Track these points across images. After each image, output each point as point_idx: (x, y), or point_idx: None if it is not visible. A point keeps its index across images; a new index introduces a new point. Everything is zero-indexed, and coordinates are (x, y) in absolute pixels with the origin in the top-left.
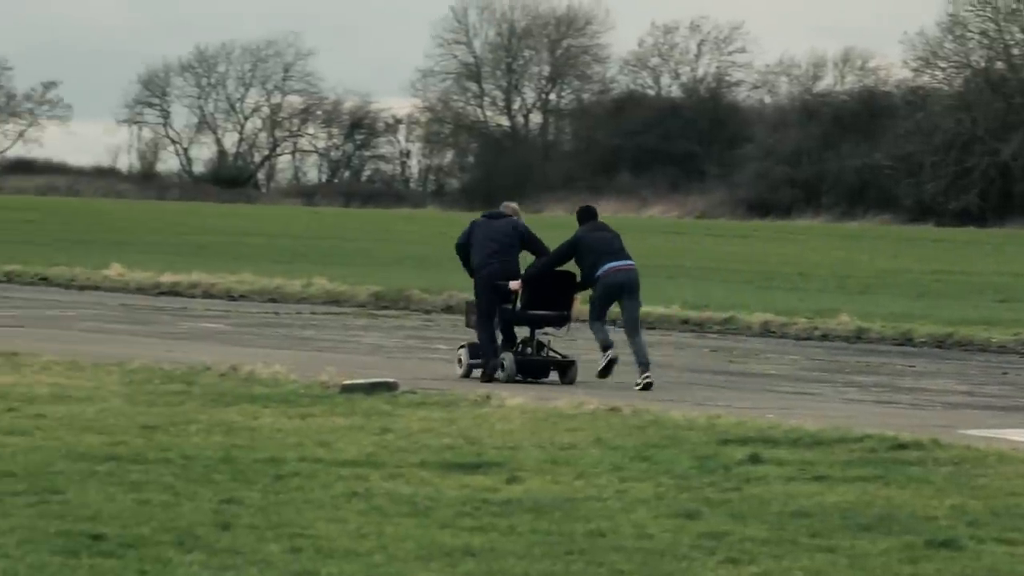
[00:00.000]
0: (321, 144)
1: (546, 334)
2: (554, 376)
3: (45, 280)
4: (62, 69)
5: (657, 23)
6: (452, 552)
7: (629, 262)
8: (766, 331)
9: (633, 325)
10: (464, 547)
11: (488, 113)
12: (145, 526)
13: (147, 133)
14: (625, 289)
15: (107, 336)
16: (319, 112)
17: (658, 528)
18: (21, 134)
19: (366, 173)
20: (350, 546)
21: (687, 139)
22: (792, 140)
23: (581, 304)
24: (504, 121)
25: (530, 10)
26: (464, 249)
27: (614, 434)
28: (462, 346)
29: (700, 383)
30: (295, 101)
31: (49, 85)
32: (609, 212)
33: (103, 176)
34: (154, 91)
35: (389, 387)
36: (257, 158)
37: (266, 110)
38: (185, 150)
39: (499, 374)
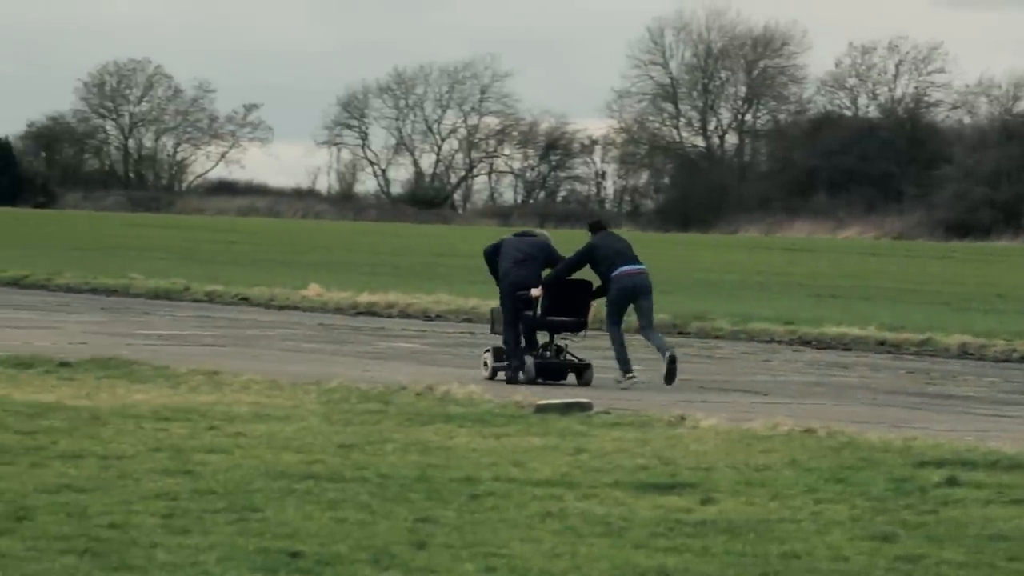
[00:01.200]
0: (517, 165)
1: (564, 339)
2: (571, 379)
3: (245, 300)
4: (263, 91)
5: (855, 43)
6: (646, 572)
7: (641, 266)
8: (964, 353)
9: (648, 322)
10: (658, 568)
11: (684, 134)
12: (342, 544)
13: (346, 154)
14: (639, 292)
15: (305, 355)
16: (515, 133)
17: (853, 551)
18: (223, 156)
19: (561, 194)
20: (544, 566)
21: (884, 160)
22: (991, 161)
23: (597, 311)
24: (700, 142)
25: (727, 31)
26: (492, 257)
27: (809, 456)
28: (487, 350)
29: (896, 405)
30: (492, 122)
31: (251, 107)
32: (804, 233)
33: (302, 197)
34: (353, 113)
35: (583, 407)
36: (453, 179)
37: (463, 131)
38: (383, 171)
39: (521, 376)
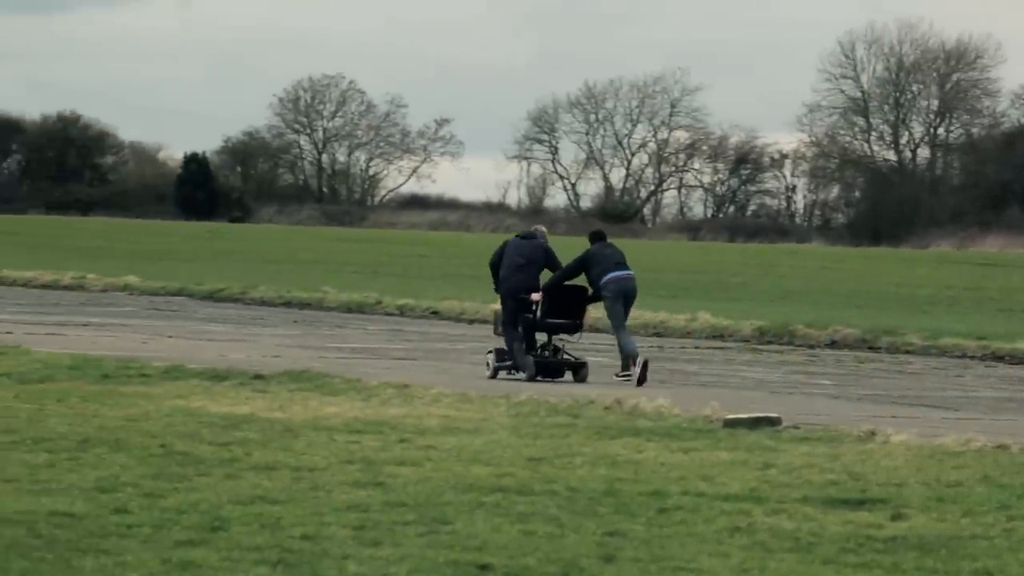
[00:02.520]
0: (706, 179)
1: (561, 339)
2: (568, 376)
3: (436, 313)
4: (455, 106)
5: None
6: None
7: (630, 272)
8: None
9: (622, 323)
10: None
11: (875, 148)
12: (530, 557)
13: (536, 169)
14: (626, 294)
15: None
16: (705, 147)
17: None
18: (415, 170)
19: (751, 208)
20: None
21: None
22: None
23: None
24: (891, 156)
25: (919, 44)
26: (496, 267)
27: (1001, 472)
28: (490, 351)
29: None
30: (681, 136)
31: (442, 122)
32: (996, 247)
33: (492, 211)
34: (543, 127)
35: (772, 422)
36: (643, 193)
37: (653, 145)
38: (573, 185)
39: (521, 375)
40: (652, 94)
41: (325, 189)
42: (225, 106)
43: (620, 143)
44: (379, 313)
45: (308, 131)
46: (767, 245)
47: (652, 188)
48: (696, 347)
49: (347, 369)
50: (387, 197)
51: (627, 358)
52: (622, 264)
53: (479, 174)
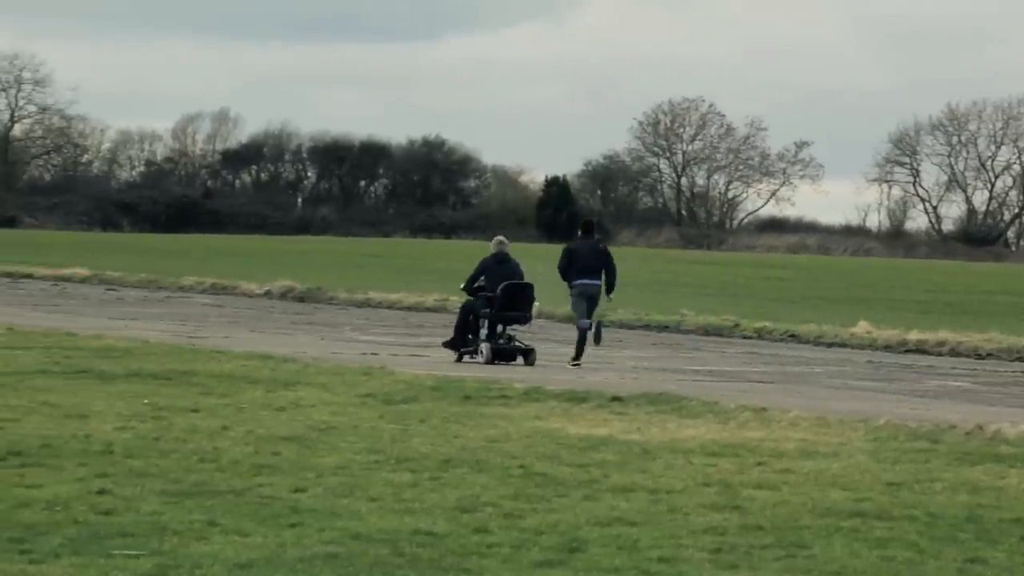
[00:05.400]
0: None
1: (514, 329)
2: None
3: (794, 337)
4: (814, 129)
5: None
6: None
7: (597, 281)
8: None
9: (589, 315)
10: None
11: None
12: None
13: (896, 191)
14: (593, 297)
15: (853, 392)
16: None
17: None
18: (773, 193)
19: None
20: None
21: None
22: None
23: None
24: None
25: None
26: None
27: None
28: (445, 342)
29: None
30: None
31: (801, 145)
32: None
33: (852, 234)
34: (904, 150)
35: None
36: (1007, 216)
37: (1017, 167)
38: (934, 208)
39: (478, 357)
40: (1017, 115)
41: (684, 212)
42: (586, 129)
43: (983, 165)
44: (736, 336)
45: (668, 154)
46: None
47: (1016, 211)
48: None
49: (704, 392)
50: (745, 220)
51: (581, 341)
52: (594, 272)
53: (838, 197)
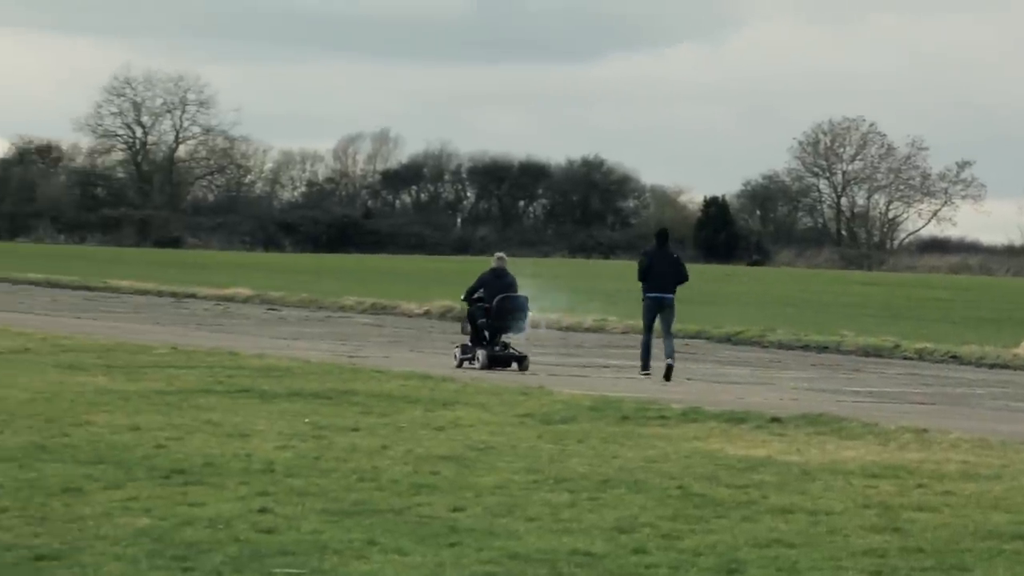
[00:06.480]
0: None
1: (508, 338)
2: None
3: (955, 358)
4: (976, 148)
5: None
6: None
7: (669, 295)
8: None
9: (666, 330)
10: None
11: None
12: None
13: None
14: (664, 309)
15: (1015, 414)
16: None
17: None
18: (935, 213)
19: None
20: None
21: None
22: None
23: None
24: None
25: None
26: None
27: None
28: (456, 346)
29: None
30: None
31: (963, 164)
32: None
33: (1015, 255)
34: None
35: None
36: None
37: None
38: None
39: (475, 363)
40: None
41: (844, 232)
42: (745, 149)
43: None
44: (897, 357)
45: (827, 174)
46: None
47: None
48: None
49: (864, 413)
50: (906, 240)
51: (666, 358)
52: (665, 284)
53: (1001, 217)
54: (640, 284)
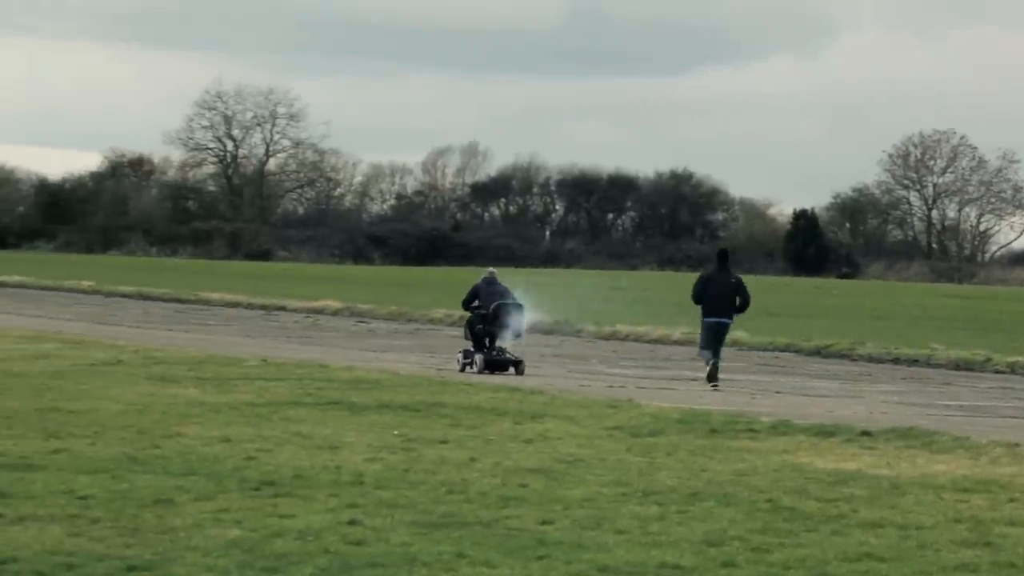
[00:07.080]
0: None
1: (503, 343)
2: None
3: None
4: None
5: None
6: None
7: (726, 320)
8: None
9: (715, 348)
10: None
11: None
12: None
13: None
14: (720, 336)
15: None
16: None
17: None
18: None
19: None
20: None
21: None
22: None
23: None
24: None
25: None
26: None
27: None
28: (459, 351)
29: None
30: None
31: None
32: None
33: None
34: None
35: None
36: None
37: None
38: None
39: (473, 368)
40: None
41: (934, 245)
42: (835, 161)
43: None
44: (988, 371)
45: (918, 187)
46: None
47: None
48: None
49: (955, 427)
50: (997, 253)
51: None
52: (723, 308)
53: None
54: (696, 302)
